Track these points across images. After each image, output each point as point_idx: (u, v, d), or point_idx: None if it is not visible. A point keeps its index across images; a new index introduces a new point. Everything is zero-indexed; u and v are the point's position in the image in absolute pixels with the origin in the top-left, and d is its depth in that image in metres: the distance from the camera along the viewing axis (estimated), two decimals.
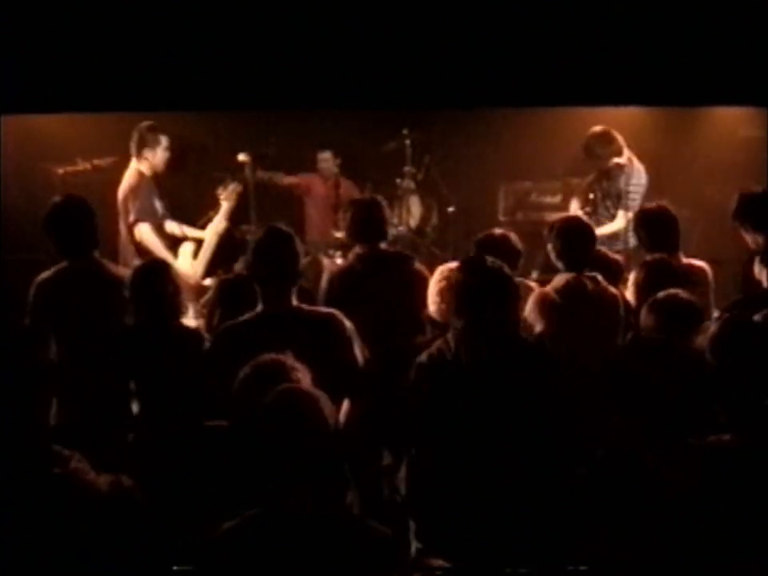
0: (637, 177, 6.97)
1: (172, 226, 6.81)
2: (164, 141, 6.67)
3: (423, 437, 3.92)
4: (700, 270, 5.26)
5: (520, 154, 8.25)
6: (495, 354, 3.87)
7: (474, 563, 3.61)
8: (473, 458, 3.73)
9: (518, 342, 4.03)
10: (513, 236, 5.21)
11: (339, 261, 6.86)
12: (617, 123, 7.90)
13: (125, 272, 4.87)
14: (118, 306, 4.72)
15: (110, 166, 7.64)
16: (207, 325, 4.72)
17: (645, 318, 4.34)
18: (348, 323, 4.07)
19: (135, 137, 6.64)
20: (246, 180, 6.93)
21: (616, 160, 7.03)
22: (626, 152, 7.01)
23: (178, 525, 3.15)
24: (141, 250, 6.53)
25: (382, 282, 5.05)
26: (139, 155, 6.63)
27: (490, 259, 4.03)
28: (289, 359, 3.35)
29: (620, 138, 7.01)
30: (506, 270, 4.00)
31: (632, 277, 5.21)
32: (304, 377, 3.30)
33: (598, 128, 7.04)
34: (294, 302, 4.07)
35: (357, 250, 5.26)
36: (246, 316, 4.06)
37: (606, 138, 7.00)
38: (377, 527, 2.75)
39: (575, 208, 7.19)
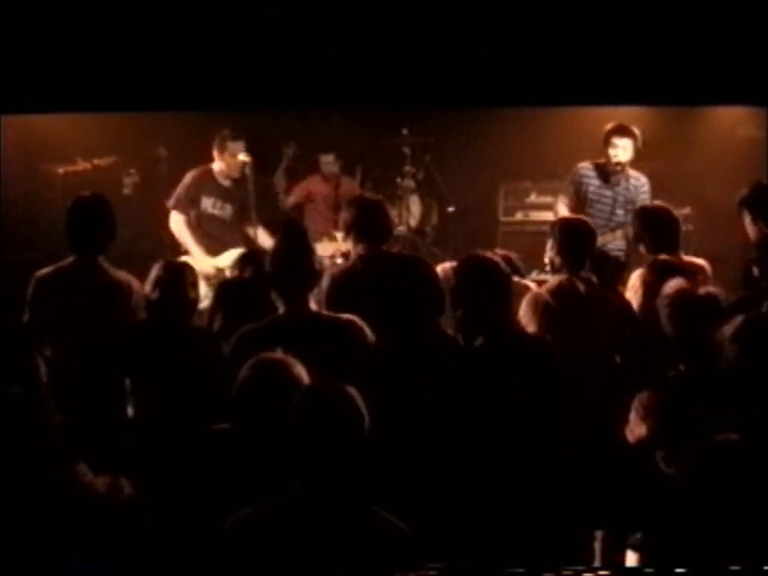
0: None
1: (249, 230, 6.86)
2: (239, 149, 6.72)
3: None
4: (700, 268, 5.28)
5: (520, 154, 8.25)
6: (491, 342, 3.92)
7: (470, 559, 3.60)
8: (467, 451, 3.74)
9: (513, 332, 4.12)
10: (514, 256, 5.23)
11: (339, 261, 6.85)
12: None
13: (125, 277, 4.89)
14: (115, 309, 4.73)
15: (109, 166, 7.65)
16: (208, 328, 4.71)
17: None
18: (368, 330, 4.09)
19: (217, 140, 6.74)
20: (246, 180, 6.92)
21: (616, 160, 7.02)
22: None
23: (178, 527, 3.15)
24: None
25: (384, 283, 5.04)
26: (220, 155, 6.74)
27: (486, 254, 4.15)
28: (282, 356, 3.35)
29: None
30: (501, 264, 4.09)
31: (638, 276, 5.20)
32: (303, 373, 3.30)
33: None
34: (313, 307, 4.10)
35: (359, 250, 5.26)
36: (267, 320, 4.07)
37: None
38: (393, 521, 2.74)
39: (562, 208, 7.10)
